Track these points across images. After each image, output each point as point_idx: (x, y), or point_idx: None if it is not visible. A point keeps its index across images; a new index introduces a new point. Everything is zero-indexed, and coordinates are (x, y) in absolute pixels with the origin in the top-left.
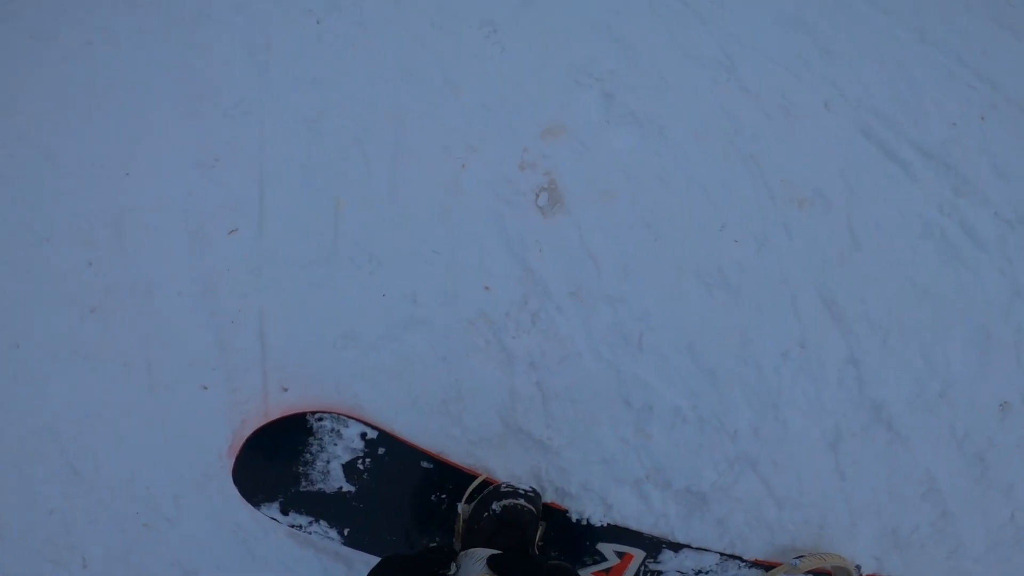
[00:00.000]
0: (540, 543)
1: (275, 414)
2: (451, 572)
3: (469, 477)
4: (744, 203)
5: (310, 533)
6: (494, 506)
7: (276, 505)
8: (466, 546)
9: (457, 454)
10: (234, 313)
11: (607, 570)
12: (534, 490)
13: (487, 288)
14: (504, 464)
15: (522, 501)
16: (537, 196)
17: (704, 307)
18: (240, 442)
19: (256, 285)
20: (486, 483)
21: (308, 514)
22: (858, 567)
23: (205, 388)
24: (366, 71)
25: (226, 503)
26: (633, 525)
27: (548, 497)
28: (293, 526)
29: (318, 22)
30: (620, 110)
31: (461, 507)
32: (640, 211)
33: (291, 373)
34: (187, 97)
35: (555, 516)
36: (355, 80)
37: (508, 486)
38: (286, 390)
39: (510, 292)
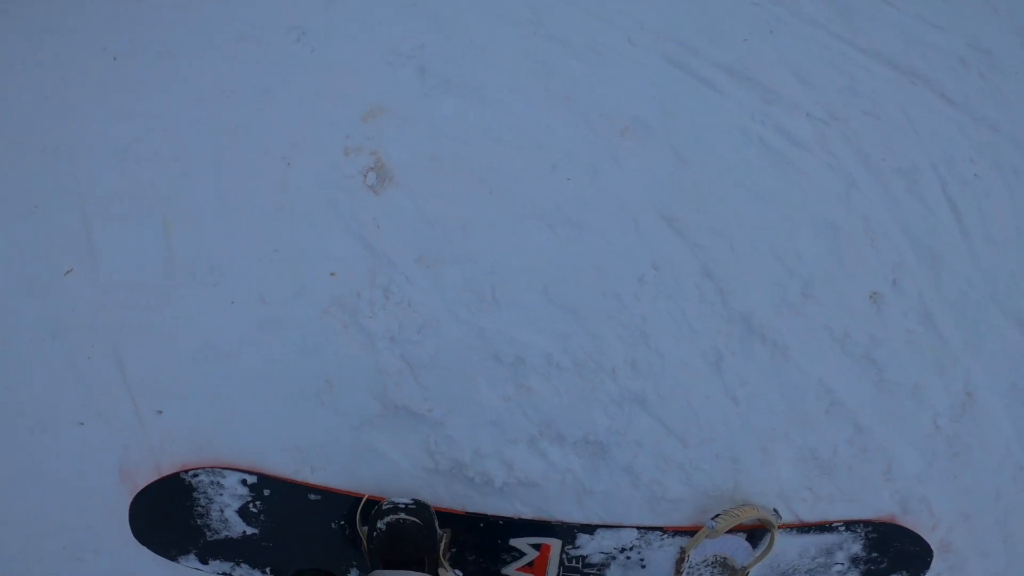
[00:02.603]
0: (454, 549)
1: (156, 436)
2: None
3: (356, 500)
4: (569, 141)
5: None
6: (379, 524)
7: (193, 556)
8: (373, 565)
9: (346, 441)
10: (88, 349)
11: (530, 563)
12: (416, 501)
13: (333, 274)
14: (394, 443)
15: (403, 515)
16: (365, 176)
17: (551, 247)
18: (127, 470)
19: (103, 319)
20: (372, 501)
21: (227, 560)
22: (775, 511)
23: (81, 424)
24: (178, 93)
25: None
26: (541, 484)
27: (444, 470)
28: (219, 573)
29: (115, 59)
30: (435, 80)
31: (360, 530)
32: (469, 169)
33: (160, 395)
34: None
35: (458, 521)
36: (168, 103)
37: (389, 503)
38: (161, 412)
39: (357, 273)
